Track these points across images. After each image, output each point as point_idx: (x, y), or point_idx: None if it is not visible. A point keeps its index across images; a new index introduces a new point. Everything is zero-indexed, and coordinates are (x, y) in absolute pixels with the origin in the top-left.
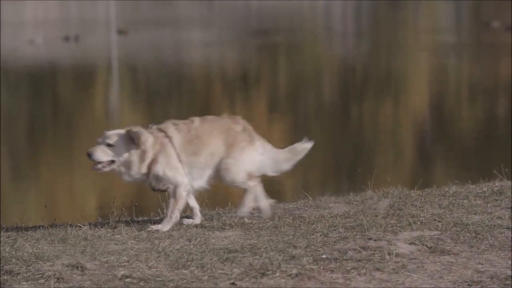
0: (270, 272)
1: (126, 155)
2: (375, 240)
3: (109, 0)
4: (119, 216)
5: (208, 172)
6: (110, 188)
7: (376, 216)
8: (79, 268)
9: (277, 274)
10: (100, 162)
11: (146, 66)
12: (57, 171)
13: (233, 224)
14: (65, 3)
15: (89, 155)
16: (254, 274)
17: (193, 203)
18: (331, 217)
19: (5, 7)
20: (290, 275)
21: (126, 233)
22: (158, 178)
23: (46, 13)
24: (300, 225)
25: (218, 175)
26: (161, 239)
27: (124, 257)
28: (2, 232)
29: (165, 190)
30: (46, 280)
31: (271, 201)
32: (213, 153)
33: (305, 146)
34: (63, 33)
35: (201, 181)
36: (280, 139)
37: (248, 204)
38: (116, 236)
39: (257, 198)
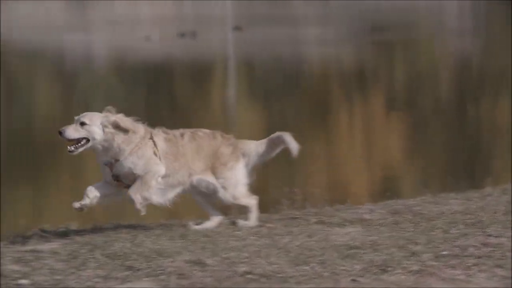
0: (390, 269)
1: (102, 135)
2: (495, 236)
3: None
4: (239, 212)
5: (176, 190)
6: None
7: (495, 212)
8: (200, 264)
9: (398, 271)
10: (73, 143)
11: (262, 64)
12: None
13: (353, 220)
14: None
15: (60, 133)
16: (374, 271)
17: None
18: (451, 213)
19: (120, 4)
20: (410, 271)
21: (245, 229)
22: (134, 166)
23: (162, 9)
24: (420, 221)
25: (214, 197)
26: (281, 235)
27: (245, 254)
28: (122, 229)
29: (127, 186)
30: (167, 276)
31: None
32: (191, 172)
33: (285, 138)
34: (179, 29)
35: (163, 199)
36: (399, 137)
37: (254, 218)
38: (236, 232)
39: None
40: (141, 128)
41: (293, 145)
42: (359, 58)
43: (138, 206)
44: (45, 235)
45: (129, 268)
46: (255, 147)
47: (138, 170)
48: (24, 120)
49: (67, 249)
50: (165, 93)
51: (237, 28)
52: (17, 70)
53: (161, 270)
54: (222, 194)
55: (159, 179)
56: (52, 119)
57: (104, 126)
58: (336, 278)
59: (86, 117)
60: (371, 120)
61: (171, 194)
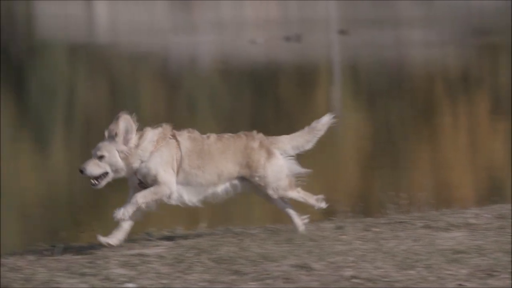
0: (497, 273)
1: (119, 162)
2: None
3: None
4: (344, 216)
5: (209, 191)
6: (333, 187)
7: None
8: (306, 269)
9: (504, 275)
10: (95, 178)
11: (367, 66)
12: None
13: (458, 224)
14: (285, 2)
15: (82, 172)
16: (481, 275)
17: (124, 231)
18: None
19: (226, 7)
20: None
21: (351, 234)
22: (148, 172)
23: (267, 12)
24: None
25: (257, 192)
26: (387, 239)
27: (351, 258)
28: (228, 233)
29: (145, 187)
30: (274, 281)
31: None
32: (221, 173)
33: (324, 121)
34: (284, 33)
35: (195, 198)
36: (504, 140)
37: (316, 203)
38: (342, 236)
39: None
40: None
41: (328, 119)
42: (462, 60)
43: (121, 215)
44: (151, 239)
45: (236, 272)
46: (289, 140)
47: (153, 171)
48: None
49: (173, 253)
50: (269, 96)
51: (341, 31)
52: (122, 72)
53: (267, 274)
54: (263, 191)
55: (169, 195)
56: (157, 121)
57: (120, 152)
58: (442, 282)
59: (103, 149)
60: (475, 123)
61: (203, 194)
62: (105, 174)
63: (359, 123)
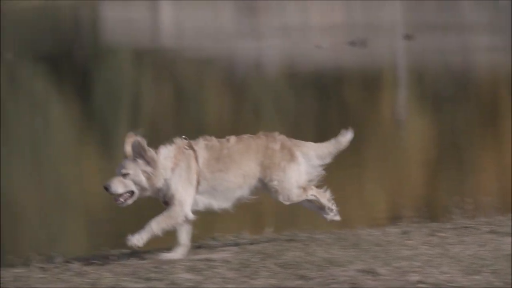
0: None
1: (143, 180)
2: None
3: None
4: (410, 221)
5: (237, 193)
6: (399, 192)
7: None
8: (372, 274)
9: None
10: (120, 195)
11: (432, 71)
12: (345, 175)
13: None
14: (350, 7)
15: (107, 189)
16: None
17: (184, 238)
18: None
19: (291, 12)
20: None
21: (417, 239)
22: (168, 190)
23: (332, 17)
24: None
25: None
26: (453, 244)
27: (417, 263)
28: (293, 238)
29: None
30: (340, 286)
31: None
32: (245, 174)
33: (349, 137)
34: (349, 37)
35: (225, 202)
36: None
37: (329, 206)
38: (408, 241)
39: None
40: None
41: (348, 136)
42: None
43: (135, 242)
44: (217, 244)
45: (301, 277)
46: (315, 148)
47: (172, 189)
48: (196, 126)
49: (239, 258)
50: (334, 100)
51: (407, 36)
52: (187, 77)
53: (333, 279)
54: (275, 196)
55: (185, 217)
56: (223, 126)
57: (143, 171)
58: None
59: (127, 167)
60: None
61: (232, 198)
62: (131, 192)
63: (424, 128)
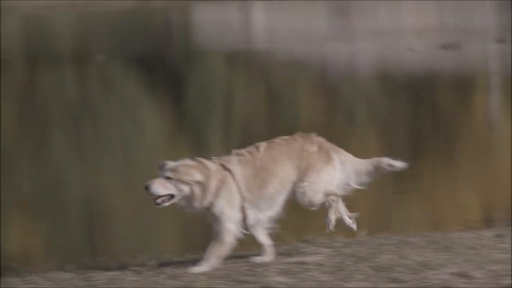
0: None
1: (186, 189)
2: None
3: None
4: (504, 224)
5: (280, 199)
6: (492, 195)
7: None
8: (466, 277)
9: None
10: (159, 196)
11: None
12: (437, 178)
13: None
14: (443, 10)
15: (147, 188)
16: None
17: (263, 239)
18: None
19: (384, 15)
20: None
21: (510, 242)
22: (214, 216)
23: (425, 20)
24: None
25: (294, 198)
26: None
27: (511, 267)
28: (386, 241)
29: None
30: None
31: (354, 214)
32: (282, 180)
33: (392, 163)
34: (442, 40)
35: (271, 211)
36: None
37: (331, 218)
38: (501, 244)
39: (340, 213)
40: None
41: (397, 164)
42: None
43: (197, 272)
44: (310, 247)
45: (395, 280)
46: (355, 162)
47: (218, 217)
48: (288, 129)
49: (332, 261)
50: (427, 104)
51: (500, 39)
52: (280, 80)
53: (426, 282)
54: (299, 197)
55: (232, 238)
56: (316, 129)
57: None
58: None
59: (170, 170)
60: None
61: (276, 205)
62: (171, 196)
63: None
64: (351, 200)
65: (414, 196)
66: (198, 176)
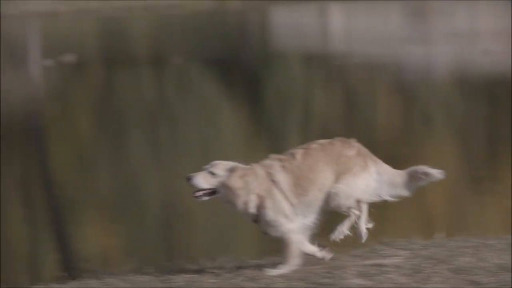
0: None
1: (226, 189)
2: None
3: None
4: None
5: (318, 204)
6: None
7: None
8: None
9: None
10: (200, 190)
11: None
12: None
13: None
14: None
15: (188, 179)
16: None
17: (309, 248)
18: None
19: (460, 18)
20: None
21: None
22: (268, 224)
23: (501, 22)
24: None
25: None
26: None
27: None
28: (464, 243)
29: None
30: None
31: (371, 225)
32: (321, 187)
33: (428, 171)
34: None
35: (312, 216)
36: None
37: (343, 231)
38: None
39: (358, 222)
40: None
41: (434, 173)
42: None
43: (275, 274)
44: (388, 249)
45: (474, 282)
46: (392, 173)
47: (272, 228)
48: (365, 132)
49: (410, 263)
50: (503, 106)
51: None
52: (357, 82)
53: (505, 285)
54: (330, 200)
55: (297, 236)
56: (393, 131)
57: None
58: None
59: (216, 167)
60: None
61: (316, 210)
62: (212, 192)
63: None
64: (429, 202)
65: (492, 198)
66: (236, 183)
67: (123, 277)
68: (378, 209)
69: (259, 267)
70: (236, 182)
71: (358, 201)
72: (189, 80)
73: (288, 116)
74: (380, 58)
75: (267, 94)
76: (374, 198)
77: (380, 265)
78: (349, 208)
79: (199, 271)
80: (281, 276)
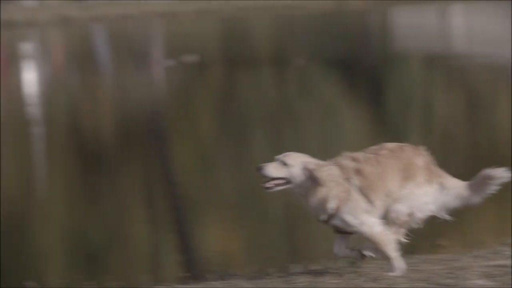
0: None
1: (303, 182)
2: None
3: None
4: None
5: (382, 211)
6: None
7: None
8: None
9: None
10: (272, 179)
11: None
12: None
13: None
14: None
15: (259, 169)
16: None
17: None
18: None
19: None
20: None
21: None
22: (347, 224)
23: None
24: None
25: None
26: None
27: None
28: None
29: (351, 233)
30: None
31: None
32: (388, 194)
33: (492, 174)
34: None
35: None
36: None
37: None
38: None
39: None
40: (336, 183)
41: (499, 173)
42: None
43: (399, 274)
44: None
45: None
46: (459, 187)
47: (352, 228)
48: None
49: None
50: None
51: None
52: (479, 84)
53: None
54: (394, 209)
55: (380, 229)
56: None
57: (304, 172)
58: None
59: (289, 157)
60: None
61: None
62: (284, 181)
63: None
64: None
65: None
66: (321, 178)
67: (246, 277)
68: (501, 209)
69: (382, 267)
70: (321, 177)
71: (411, 215)
72: (310, 81)
73: (409, 117)
74: (501, 59)
75: (388, 95)
76: (430, 216)
77: (503, 266)
78: (400, 221)
79: (321, 272)
80: (403, 276)
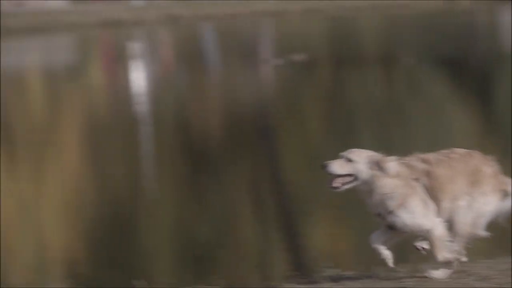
0: None
1: (369, 178)
2: None
3: None
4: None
5: (446, 215)
6: None
7: None
8: None
9: None
10: (337, 177)
11: None
12: None
13: None
14: None
15: (324, 167)
16: None
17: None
18: None
19: None
20: None
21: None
22: (403, 223)
23: None
24: None
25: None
26: None
27: None
28: None
29: (402, 234)
30: None
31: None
32: (454, 199)
33: None
34: None
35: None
36: None
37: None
38: None
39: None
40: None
41: None
42: None
43: (442, 276)
44: None
45: None
46: None
47: (410, 227)
48: None
49: None
50: None
51: None
52: None
53: None
54: (459, 218)
55: (441, 232)
56: None
57: (370, 166)
58: None
59: (353, 153)
60: None
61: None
62: (351, 177)
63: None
64: None
65: None
66: (392, 174)
67: (354, 277)
68: None
69: (490, 267)
70: (390, 168)
71: (476, 226)
72: (418, 80)
73: None
74: None
75: (497, 95)
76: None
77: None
78: (466, 230)
79: (428, 271)
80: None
